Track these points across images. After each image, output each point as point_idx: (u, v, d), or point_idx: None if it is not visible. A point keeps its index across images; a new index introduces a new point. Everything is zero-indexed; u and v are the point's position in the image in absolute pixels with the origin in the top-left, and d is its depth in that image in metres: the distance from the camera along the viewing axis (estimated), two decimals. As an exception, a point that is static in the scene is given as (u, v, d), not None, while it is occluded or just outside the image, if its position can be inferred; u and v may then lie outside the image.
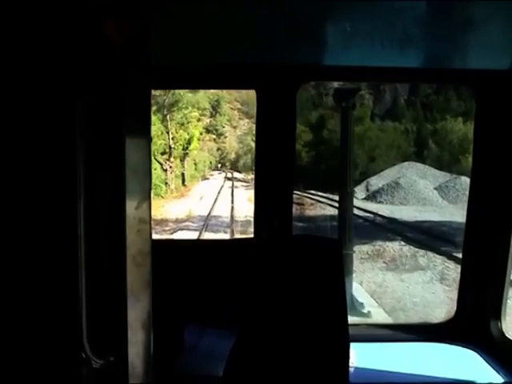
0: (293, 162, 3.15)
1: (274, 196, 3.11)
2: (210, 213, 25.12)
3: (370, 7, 1.73)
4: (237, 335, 2.30)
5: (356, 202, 31.44)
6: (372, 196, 32.22)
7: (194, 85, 4.13)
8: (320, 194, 35.28)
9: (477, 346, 3.32)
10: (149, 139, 1.35)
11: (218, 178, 61.26)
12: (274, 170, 3.10)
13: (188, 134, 40.98)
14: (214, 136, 71.08)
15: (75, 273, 1.25)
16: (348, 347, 2.34)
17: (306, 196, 33.76)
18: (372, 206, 29.52)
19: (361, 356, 2.99)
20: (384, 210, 28.03)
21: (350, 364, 2.44)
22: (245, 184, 43.19)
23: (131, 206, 1.29)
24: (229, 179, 55.97)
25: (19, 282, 1.23)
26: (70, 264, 1.23)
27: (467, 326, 3.37)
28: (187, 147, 41.67)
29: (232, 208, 26.54)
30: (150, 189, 1.34)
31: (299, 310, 2.39)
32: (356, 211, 27.99)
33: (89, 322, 1.31)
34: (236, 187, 43.28)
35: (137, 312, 1.31)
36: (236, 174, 62.45)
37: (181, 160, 38.99)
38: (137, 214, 1.28)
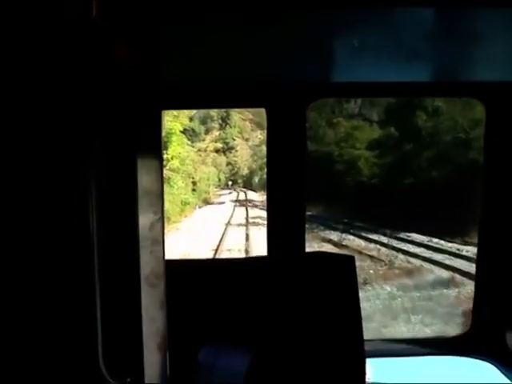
0: (304, 178, 2.78)
1: (286, 213, 2.77)
2: None
3: (377, 22, 1.60)
4: (253, 353, 2.16)
5: None
6: None
7: (204, 105, 3.32)
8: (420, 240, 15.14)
9: (494, 359, 2.97)
10: (161, 160, 1.29)
11: (226, 200, 42.06)
12: (287, 188, 2.77)
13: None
14: (221, 145, 60.42)
15: (90, 295, 1.14)
16: (364, 363, 2.21)
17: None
18: None
19: (377, 371, 2.65)
20: None
21: (367, 380, 2.31)
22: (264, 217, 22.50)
23: (144, 227, 1.21)
24: (241, 204, 36.00)
25: (35, 305, 1.13)
26: (85, 286, 1.13)
27: (484, 339, 3.03)
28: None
29: None
30: (163, 210, 1.27)
31: (314, 327, 2.24)
32: None
33: (105, 343, 1.18)
34: (254, 223, 22.96)
35: (152, 333, 1.23)
36: (250, 194, 44.31)
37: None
38: (150, 235, 1.22)
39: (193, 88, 2.72)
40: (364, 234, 17.40)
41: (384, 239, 16.37)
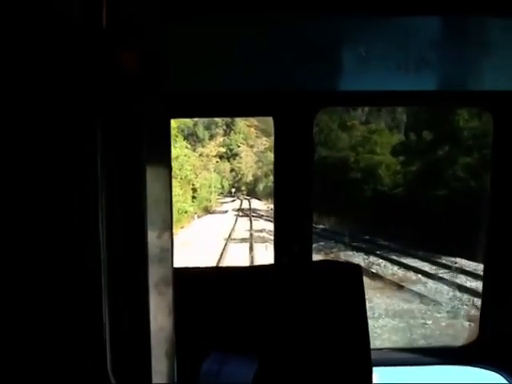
0: (311, 186, 2.77)
1: (293, 222, 2.77)
2: None
3: (385, 31, 1.63)
4: (259, 361, 2.12)
5: None
6: None
7: (211, 113, 3.32)
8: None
9: (502, 369, 2.92)
10: (169, 168, 1.24)
11: (228, 208, 38.90)
12: (294, 196, 2.76)
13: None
14: (225, 150, 58.88)
15: (99, 303, 1.14)
16: (371, 371, 2.18)
17: None
18: None
19: (384, 380, 2.61)
20: None
21: None
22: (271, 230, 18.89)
23: (153, 236, 1.18)
24: (245, 213, 32.71)
25: (42, 312, 1.13)
26: (94, 294, 1.14)
27: (491, 349, 2.97)
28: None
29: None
30: (172, 218, 1.24)
31: (320, 334, 2.21)
32: None
33: (113, 351, 1.17)
34: (259, 238, 19.56)
35: (160, 340, 1.20)
36: (254, 203, 41.20)
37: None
38: (158, 243, 1.18)
39: (200, 96, 2.74)
40: (395, 258, 13.88)
41: (423, 265, 12.89)
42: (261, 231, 21.71)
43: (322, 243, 17.27)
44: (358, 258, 13.95)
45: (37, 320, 1.10)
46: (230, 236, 20.75)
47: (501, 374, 2.87)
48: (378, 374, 2.41)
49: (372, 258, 14.02)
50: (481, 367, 2.94)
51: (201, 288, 2.22)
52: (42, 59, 1.05)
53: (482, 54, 1.89)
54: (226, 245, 18.20)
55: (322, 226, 21.34)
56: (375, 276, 11.49)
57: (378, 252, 14.95)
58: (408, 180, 20.87)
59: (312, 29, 1.52)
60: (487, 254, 2.91)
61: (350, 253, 14.87)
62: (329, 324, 2.18)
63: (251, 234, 21.02)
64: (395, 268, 12.66)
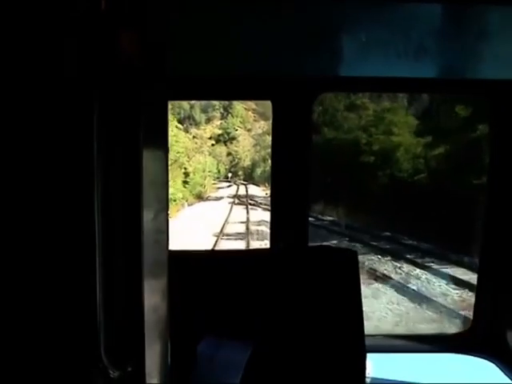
0: (309, 172, 2.85)
1: (290, 206, 2.84)
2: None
3: (385, 17, 1.65)
4: (253, 346, 2.14)
5: None
6: None
7: (210, 96, 3.71)
8: None
9: (494, 357, 2.98)
10: (166, 150, 1.26)
11: (224, 194, 35.77)
12: (291, 181, 2.84)
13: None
14: (221, 132, 56.49)
15: (92, 283, 1.15)
16: (364, 358, 2.20)
17: None
18: None
19: (377, 367, 2.65)
20: None
21: (367, 375, 2.29)
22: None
23: (148, 217, 1.18)
24: (241, 201, 29.52)
25: (36, 293, 1.15)
26: (88, 275, 1.15)
27: (484, 337, 3.07)
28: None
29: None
30: (168, 199, 1.26)
31: (315, 320, 2.23)
32: None
33: (106, 332, 1.18)
34: (257, 234, 16.28)
35: (154, 322, 1.20)
36: (251, 189, 38.29)
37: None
38: (154, 224, 1.19)
39: (200, 79, 2.74)
40: (435, 266, 10.58)
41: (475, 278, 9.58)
42: (259, 224, 18.42)
43: (335, 242, 14.04)
44: (387, 266, 10.60)
45: (29, 301, 1.09)
46: (221, 231, 17.40)
47: (493, 362, 2.86)
48: (372, 360, 2.28)
49: (406, 267, 10.69)
50: (474, 355, 2.93)
51: (196, 271, 2.18)
52: (37, 41, 1.04)
53: (482, 42, 1.85)
54: (216, 242, 14.88)
55: (330, 218, 18.11)
56: (421, 298, 8.15)
57: (409, 256, 11.65)
58: (432, 165, 17.67)
59: (312, 14, 1.52)
60: (482, 245, 2.92)
61: (374, 257, 11.52)
62: (323, 309, 2.15)
63: (247, 229, 17.70)
64: (443, 283, 9.31)
